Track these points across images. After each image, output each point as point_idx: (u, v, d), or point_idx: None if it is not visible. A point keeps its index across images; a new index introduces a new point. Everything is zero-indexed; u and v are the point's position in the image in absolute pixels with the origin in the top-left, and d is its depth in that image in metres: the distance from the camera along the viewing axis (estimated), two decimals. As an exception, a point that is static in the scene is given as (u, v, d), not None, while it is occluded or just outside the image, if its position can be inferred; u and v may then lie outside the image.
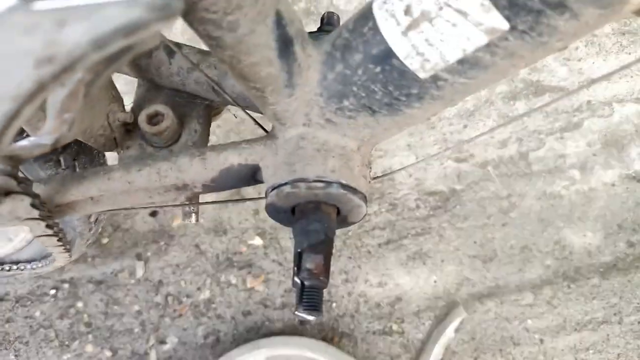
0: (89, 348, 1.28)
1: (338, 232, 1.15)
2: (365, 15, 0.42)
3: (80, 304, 1.30)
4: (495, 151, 1.35)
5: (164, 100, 0.63)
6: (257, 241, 1.33)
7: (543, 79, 1.37)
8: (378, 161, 1.35)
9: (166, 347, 1.27)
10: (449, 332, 1.23)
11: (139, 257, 1.32)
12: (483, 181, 1.34)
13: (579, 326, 1.23)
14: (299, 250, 0.50)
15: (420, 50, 0.40)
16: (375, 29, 0.41)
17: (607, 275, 1.25)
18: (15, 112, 0.26)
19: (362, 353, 1.24)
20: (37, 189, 0.51)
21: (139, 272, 1.32)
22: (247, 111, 0.59)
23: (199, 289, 1.30)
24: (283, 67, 0.44)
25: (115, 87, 0.61)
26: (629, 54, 1.39)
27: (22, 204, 0.48)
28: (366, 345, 1.25)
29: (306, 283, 0.49)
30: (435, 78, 0.42)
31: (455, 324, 1.23)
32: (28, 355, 1.27)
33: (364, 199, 0.52)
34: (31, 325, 1.29)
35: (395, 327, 1.26)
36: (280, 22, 0.42)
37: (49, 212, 0.52)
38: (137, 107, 0.63)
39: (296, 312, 0.49)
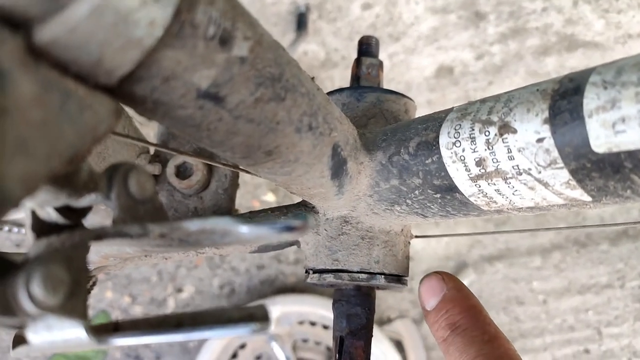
0: (109, 294, 1.33)
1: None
2: (429, 146, 0.38)
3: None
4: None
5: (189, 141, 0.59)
6: (270, 197, 1.32)
7: (578, 32, 1.28)
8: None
9: (184, 295, 1.32)
10: (456, 291, 1.27)
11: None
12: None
13: (583, 289, 1.27)
14: (339, 335, 0.50)
15: (489, 195, 0.37)
16: (440, 165, 0.38)
17: (617, 242, 1.27)
18: None
19: (372, 306, 1.29)
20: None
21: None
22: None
23: (213, 240, 1.32)
24: (334, 184, 0.41)
25: (139, 132, 0.57)
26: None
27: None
28: (377, 300, 1.30)
29: (347, 370, 0.49)
30: (499, 212, 0.39)
31: (463, 284, 1.27)
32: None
33: (405, 281, 0.51)
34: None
35: (405, 284, 1.30)
36: (335, 151, 0.38)
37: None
38: (163, 146, 0.59)
39: (335, 397, 0.50)
